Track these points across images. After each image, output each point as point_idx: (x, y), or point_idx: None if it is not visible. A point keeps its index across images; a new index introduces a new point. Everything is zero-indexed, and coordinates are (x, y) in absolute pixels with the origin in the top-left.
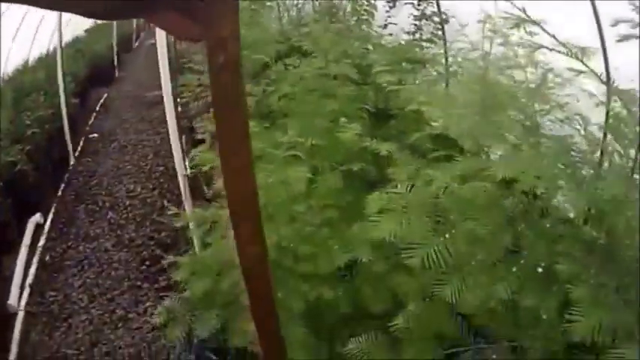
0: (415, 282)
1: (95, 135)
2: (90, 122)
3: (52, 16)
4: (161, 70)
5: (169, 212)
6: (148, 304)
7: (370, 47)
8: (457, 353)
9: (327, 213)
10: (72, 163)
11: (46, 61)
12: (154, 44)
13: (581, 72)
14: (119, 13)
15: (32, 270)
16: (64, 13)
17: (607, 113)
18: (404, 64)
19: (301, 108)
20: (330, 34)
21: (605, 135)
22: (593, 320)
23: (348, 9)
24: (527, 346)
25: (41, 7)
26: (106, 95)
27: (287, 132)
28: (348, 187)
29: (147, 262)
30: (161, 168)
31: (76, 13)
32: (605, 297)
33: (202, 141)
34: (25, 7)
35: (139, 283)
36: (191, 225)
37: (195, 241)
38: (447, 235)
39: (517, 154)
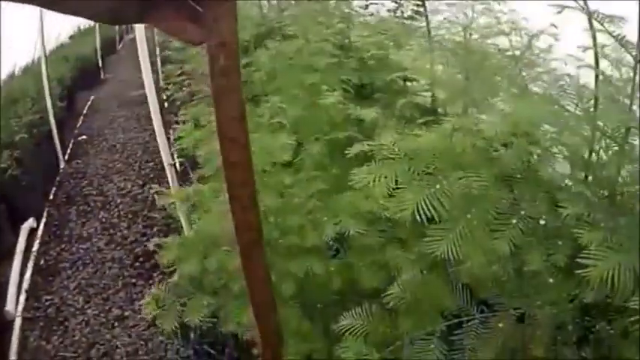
0: (410, 253)
1: (84, 137)
2: (78, 125)
3: (34, 24)
4: (142, 66)
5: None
6: (143, 301)
7: (351, 26)
8: (460, 324)
9: (314, 185)
10: (62, 166)
11: (32, 69)
12: (134, 39)
13: (564, 7)
14: (124, 17)
15: (27, 275)
16: (46, 19)
17: (595, 55)
18: (385, 40)
19: (282, 82)
20: (309, 13)
21: (597, 80)
22: (610, 263)
23: None
24: (533, 314)
25: (46, 7)
26: (92, 97)
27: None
28: (334, 157)
29: (140, 259)
30: (150, 164)
31: (83, 16)
32: (619, 240)
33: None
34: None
35: (133, 280)
36: (177, 205)
37: (182, 221)
38: (437, 186)
39: (506, 115)
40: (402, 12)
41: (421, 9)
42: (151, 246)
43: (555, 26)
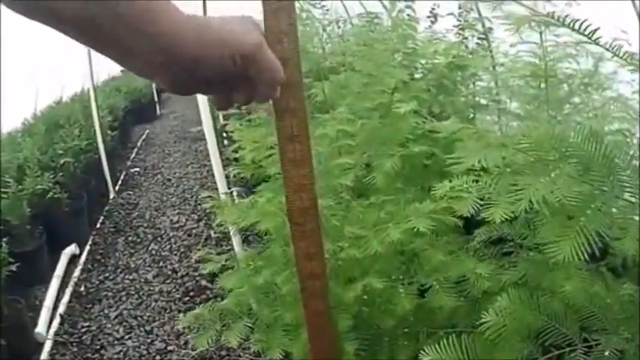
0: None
1: (137, 169)
2: (131, 157)
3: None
4: (199, 98)
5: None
6: (190, 336)
7: (418, 62)
8: (561, 356)
9: (386, 207)
10: (112, 196)
11: (81, 96)
12: None
13: None
14: (192, 89)
15: (64, 300)
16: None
17: None
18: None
19: (349, 100)
20: (374, 41)
21: None
22: None
23: (389, 23)
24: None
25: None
26: (147, 131)
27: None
28: (410, 175)
29: (191, 293)
30: (208, 199)
31: (162, 81)
32: None
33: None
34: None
35: (181, 314)
36: (231, 229)
37: (235, 245)
38: (552, 175)
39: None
40: (466, 45)
41: (484, 41)
42: (205, 287)
43: (625, 32)
